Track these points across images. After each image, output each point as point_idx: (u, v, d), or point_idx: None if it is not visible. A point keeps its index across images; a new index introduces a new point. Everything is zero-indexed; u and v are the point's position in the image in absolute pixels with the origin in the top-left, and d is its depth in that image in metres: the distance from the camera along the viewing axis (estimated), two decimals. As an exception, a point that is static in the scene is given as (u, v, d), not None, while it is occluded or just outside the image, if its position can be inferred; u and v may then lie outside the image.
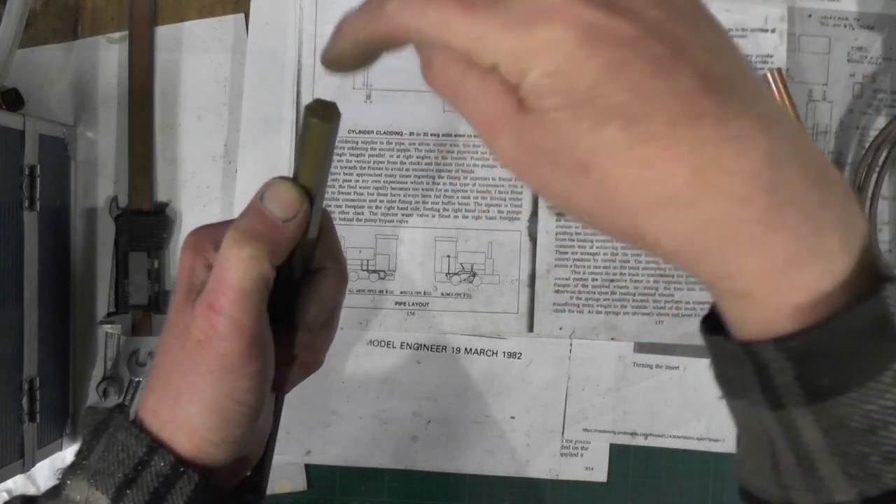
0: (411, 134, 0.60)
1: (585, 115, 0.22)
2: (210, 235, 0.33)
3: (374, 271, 0.61)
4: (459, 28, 0.23)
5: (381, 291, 0.61)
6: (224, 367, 0.31)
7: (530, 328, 0.61)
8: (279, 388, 0.36)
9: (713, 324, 0.26)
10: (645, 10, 0.22)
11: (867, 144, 0.59)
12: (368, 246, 0.61)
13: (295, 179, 0.31)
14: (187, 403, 0.31)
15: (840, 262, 0.23)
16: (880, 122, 0.60)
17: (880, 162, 0.58)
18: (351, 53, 0.27)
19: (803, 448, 0.24)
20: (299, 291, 0.34)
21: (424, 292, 0.61)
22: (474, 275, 0.60)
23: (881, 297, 0.22)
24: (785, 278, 0.23)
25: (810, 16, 0.60)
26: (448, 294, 0.60)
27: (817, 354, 0.22)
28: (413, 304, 0.61)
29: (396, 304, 0.61)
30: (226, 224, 0.32)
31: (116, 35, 0.61)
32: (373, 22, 0.25)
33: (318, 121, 0.30)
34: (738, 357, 0.24)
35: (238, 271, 0.30)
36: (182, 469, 0.31)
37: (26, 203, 0.54)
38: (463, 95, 0.24)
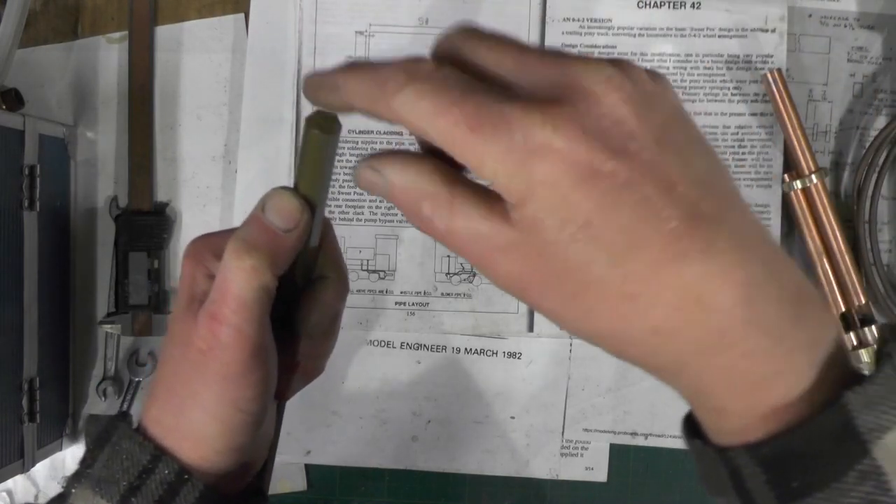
0: (411, 134, 0.60)
1: (577, 249, 0.24)
2: (211, 244, 0.33)
3: (374, 271, 0.61)
4: (463, 146, 0.24)
5: (381, 291, 0.61)
6: (227, 376, 0.31)
7: (530, 328, 0.61)
8: (281, 396, 0.36)
9: (693, 425, 0.28)
10: (641, 151, 0.23)
11: (867, 144, 0.59)
12: (368, 246, 0.61)
13: (296, 189, 0.31)
14: (191, 412, 0.31)
15: (808, 377, 0.24)
16: (880, 122, 0.60)
17: (880, 162, 0.58)
18: (338, 107, 0.27)
19: None
20: (301, 300, 0.34)
21: (424, 292, 0.61)
22: (474, 275, 0.60)
23: (842, 404, 0.23)
24: (755, 396, 0.25)
25: (810, 16, 0.60)
26: (448, 294, 0.60)
27: (786, 459, 0.24)
28: (413, 304, 0.61)
29: (396, 304, 0.61)
30: (226, 233, 0.32)
31: (116, 35, 0.61)
32: (377, 103, 0.25)
33: (319, 132, 0.30)
34: (714, 460, 0.26)
35: (240, 282, 0.30)
36: (186, 476, 0.31)
37: (26, 203, 0.54)
38: (455, 233, 0.25)
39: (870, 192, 0.58)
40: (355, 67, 0.26)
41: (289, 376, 0.36)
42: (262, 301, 0.31)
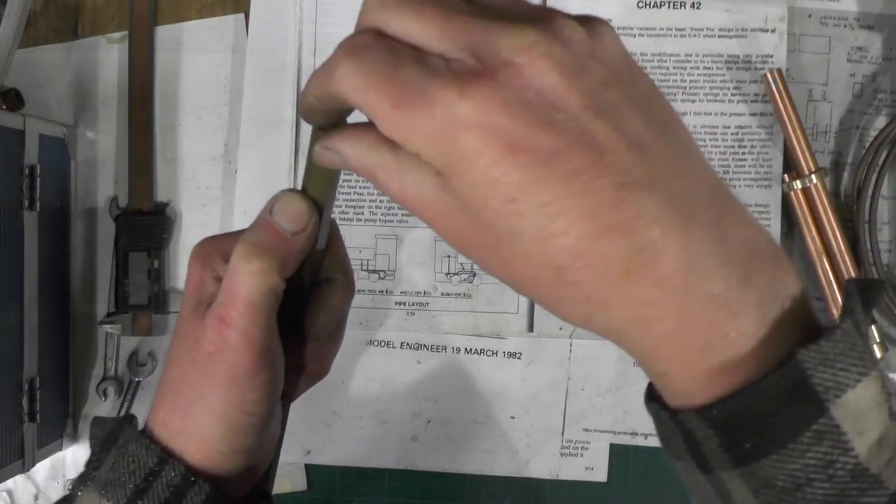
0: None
1: (503, 224, 0.23)
2: (218, 247, 0.33)
3: (374, 271, 0.61)
4: (387, 122, 0.24)
5: (381, 291, 0.61)
6: (235, 378, 0.31)
7: (530, 328, 0.61)
8: (288, 398, 0.36)
9: (653, 388, 0.27)
10: (567, 122, 0.22)
11: (867, 144, 0.59)
12: (368, 246, 0.61)
13: (304, 192, 0.31)
14: (198, 415, 0.31)
15: (755, 337, 0.23)
16: (880, 122, 0.60)
17: (880, 162, 0.58)
18: (316, 107, 0.27)
19: None
20: (308, 302, 0.34)
21: (424, 292, 0.61)
22: (474, 275, 0.60)
23: (795, 362, 0.23)
24: (698, 361, 0.24)
25: (810, 16, 0.60)
26: (448, 294, 0.60)
27: (738, 421, 0.23)
28: (413, 304, 0.61)
29: (396, 304, 0.61)
30: (233, 235, 0.32)
31: (116, 35, 0.61)
32: (325, 81, 0.25)
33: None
34: (669, 424, 0.25)
35: (248, 284, 0.30)
36: (193, 479, 0.31)
37: (26, 203, 0.54)
38: (406, 197, 0.26)
39: (870, 192, 0.59)
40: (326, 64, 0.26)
41: (296, 378, 0.36)
42: (270, 303, 0.31)
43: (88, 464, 0.33)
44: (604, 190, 0.22)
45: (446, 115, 0.23)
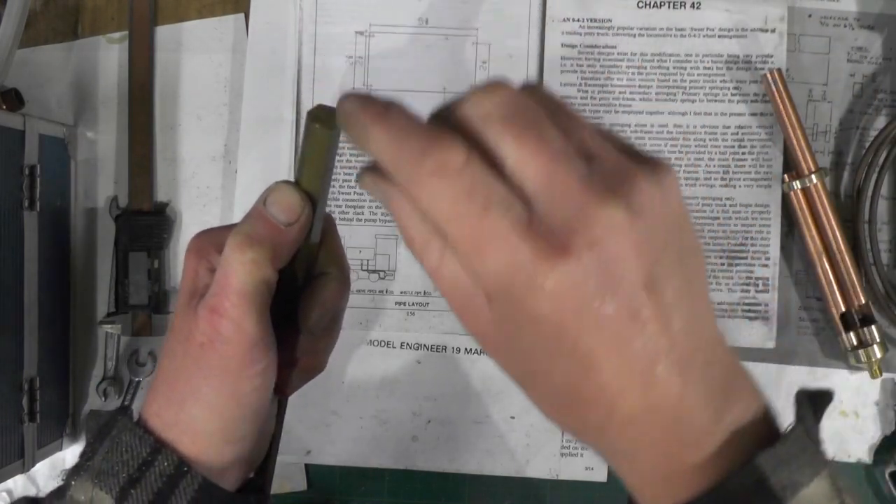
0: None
1: (540, 356, 0.26)
2: (213, 239, 0.33)
3: (374, 271, 0.61)
4: (460, 245, 0.25)
5: (381, 291, 0.61)
6: (227, 369, 0.31)
7: (530, 328, 0.61)
8: (281, 392, 0.36)
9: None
10: (634, 293, 0.25)
11: (867, 144, 0.59)
12: (368, 246, 0.61)
13: (297, 184, 0.31)
14: (191, 406, 0.32)
15: (718, 446, 0.26)
16: (880, 122, 0.60)
17: (880, 162, 0.58)
18: (361, 147, 0.27)
19: None
20: (302, 296, 0.34)
21: (424, 292, 0.61)
22: (474, 275, 0.60)
23: (755, 465, 0.25)
24: (660, 488, 0.27)
25: (810, 16, 0.60)
26: (448, 294, 0.60)
27: None
28: (413, 304, 0.61)
29: (396, 304, 0.61)
30: (229, 228, 0.32)
31: (116, 35, 0.62)
32: (400, 175, 0.26)
33: (321, 126, 0.30)
34: None
35: (241, 275, 0.30)
36: (186, 469, 0.32)
37: (26, 203, 0.54)
38: (440, 277, 0.27)
39: (870, 192, 0.58)
40: (387, 119, 0.26)
41: (289, 372, 0.36)
42: (263, 295, 0.31)
43: (82, 454, 0.33)
44: (635, 354, 0.25)
45: (524, 278, 0.24)
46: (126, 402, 0.61)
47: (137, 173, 0.61)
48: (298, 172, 0.32)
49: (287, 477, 0.61)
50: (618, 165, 0.25)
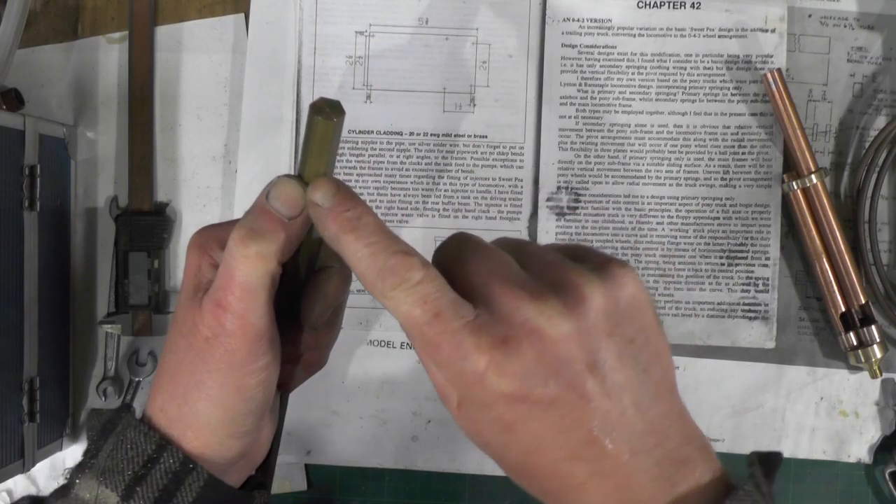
0: (411, 134, 0.60)
1: (498, 436, 0.29)
2: (216, 235, 0.33)
3: (374, 271, 0.60)
4: (417, 340, 0.29)
5: (381, 291, 0.60)
6: (231, 363, 0.31)
7: (530, 328, 0.61)
8: (284, 387, 0.36)
9: None
10: (577, 373, 0.28)
11: (867, 144, 0.59)
12: (368, 246, 0.60)
13: (300, 177, 0.31)
14: (195, 401, 0.32)
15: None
16: (880, 122, 0.60)
17: (880, 162, 0.58)
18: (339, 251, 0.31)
19: None
20: (304, 290, 0.34)
21: (424, 292, 0.61)
22: (474, 275, 0.60)
23: None
24: None
25: (810, 16, 0.60)
26: (448, 294, 0.60)
27: None
28: (413, 304, 0.61)
29: (396, 304, 0.61)
30: (231, 224, 0.32)
31: (116, 35, 0.62)
32: (371, 285, 0.29)
33: (323, 119, 0.30)
34: None
35: (245, 268, 0.30)
36: (191, 465, 0.31)
37: (26, 203, 0.54)
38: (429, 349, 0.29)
39: (870, 192, 0.59)
40: (357, 231, 0.29)
41: (291, 367, 0.36)
42: (267, 288, 0.31)
43: (86, 452, 0.33)
44: (583, 430, 0.28)
45: (471, 368, 0.28)
46: (126, 402, 0.61)
47: (137, 173, 0.61)
48: (301, 166, 0.32)
49: (287, 477, 0.61)
50: (561, 270, 0.29)
